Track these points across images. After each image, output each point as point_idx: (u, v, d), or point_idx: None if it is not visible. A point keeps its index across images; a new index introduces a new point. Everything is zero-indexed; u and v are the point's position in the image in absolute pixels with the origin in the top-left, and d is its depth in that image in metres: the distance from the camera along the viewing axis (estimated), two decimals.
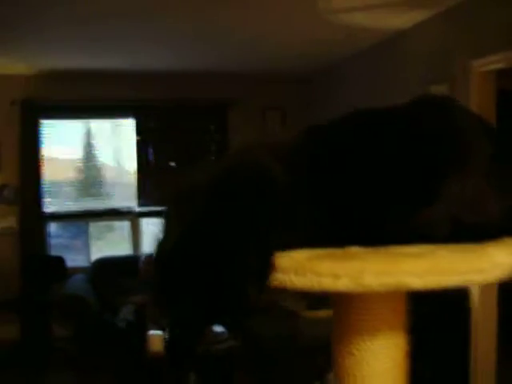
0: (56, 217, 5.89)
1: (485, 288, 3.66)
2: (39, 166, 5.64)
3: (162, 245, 0.80)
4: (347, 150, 0.84)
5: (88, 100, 5.69)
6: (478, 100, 3.64)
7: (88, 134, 6.01)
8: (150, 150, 5.98)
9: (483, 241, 0.78)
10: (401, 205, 0.77)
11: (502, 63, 3.45)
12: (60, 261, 5.60)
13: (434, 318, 3.59)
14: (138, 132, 5.95)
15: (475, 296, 3.68)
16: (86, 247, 6.10)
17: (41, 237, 5.71)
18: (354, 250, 0.78)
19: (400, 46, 4.55)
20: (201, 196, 0.80)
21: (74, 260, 5.94)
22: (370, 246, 0.78)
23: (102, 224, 6.30)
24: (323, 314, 4.15)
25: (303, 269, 0.74)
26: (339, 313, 0.93)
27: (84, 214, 5.95)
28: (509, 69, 3.51)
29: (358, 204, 0.79)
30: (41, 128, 5.66)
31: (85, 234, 6.09)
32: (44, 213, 5.74)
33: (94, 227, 6.23)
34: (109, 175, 6.10)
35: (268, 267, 0.73)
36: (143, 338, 4.23)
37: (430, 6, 3.83)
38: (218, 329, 4.59)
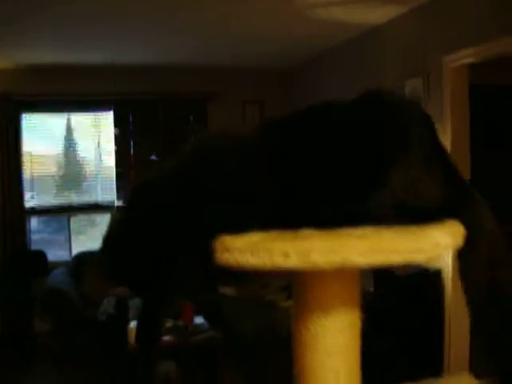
0: (37, 211, 5.91)
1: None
2: (19, 160, 5.64)
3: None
4: (302, 139, 0.90)
5: (67, 94, 5.70)
6: (451, 94, 3.73)
7: (69, 129, 6.02)
8: (131, 144, 6.01)
9: (426, 223, 0.85)
10: (350, 191, 0.84)
11: (473, 58, 3.54)
12: (41, 255, 5.62)
13: (402, 299, 3.69)
14: (118, 125, 5.97)
15: (448, 278, 3.77)
16: (68, 242, 6.11)
17: (22, 231, 5.72)
18: (306, 231, 0.84)
19: (376, 41, 4.62)
20: (162, 182, 0.87)
21: (55, 255, 5.96)
22: (322, 229, 0.84)
23: (84, 218, 6.32)
24: None
25: (257, 249, 0.80)
26: (298, 291, 0.99)
27: (65, 209, 5.96)
28: (481, 63, 3.60)
29: (311, 190, 0.86)
30: (21, 123, 5.66)
31: (66, 229, 6.11)
32: (25, 208, 5.75)
33: (76, 222, 6.25)
34: (90, 169, 6.11)
35: (210, 239, 0.81)
36: (124, 331, 4.28)
37: (404, 1, 3.90)
38: (198, 320, 4.65)
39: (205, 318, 4.71)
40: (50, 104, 5.75)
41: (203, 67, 5.95)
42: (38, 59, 5.27)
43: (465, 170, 3.77)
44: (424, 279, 3.90)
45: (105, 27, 4.32)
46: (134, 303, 4.64)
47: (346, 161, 0.84)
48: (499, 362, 0.88)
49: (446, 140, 3.75)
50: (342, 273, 0.93)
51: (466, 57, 3.57)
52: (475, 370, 3.62)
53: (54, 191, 6.00)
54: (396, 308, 3.98)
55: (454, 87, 3.73)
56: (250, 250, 0.81)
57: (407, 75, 4.16)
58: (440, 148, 0.90)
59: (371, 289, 4.16)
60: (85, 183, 6.08)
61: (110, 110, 5.94)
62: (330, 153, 0.86)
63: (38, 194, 5.94)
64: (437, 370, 3.90)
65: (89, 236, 6.41)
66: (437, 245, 0.82)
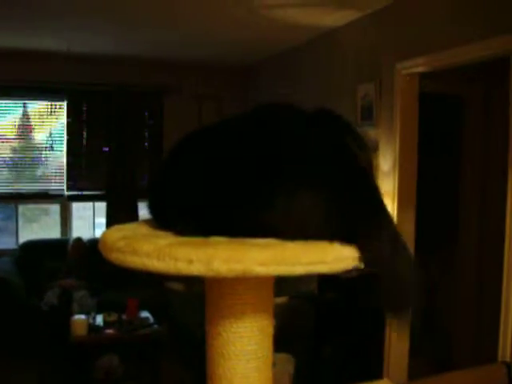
0: None
1: None
2: None
3: None
4: (215, 151, 0.92)
5: (21, 80, 5.57)
6: (402, 101, 3.80)
7: (24, 115, 5.88)
8: (83, 134, 5.92)
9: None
10: (246, 204, 0.85)
11: (424, 67, 3.60)
12: None
13: (347, 302, 3.74)
14: (71, 115, 5.87)
15: None
16: (15, 230, 5.99)
17: None
18: (216, 239, 0.85)
19: (332, 44, 4.66)
20: None
21: (2, 242, 5.85)
22: (234, 237, 0.85)
23: (35, 207, 6.20)
24: None
25: (163, 254, 0.81)
26: (210, 296, 1.00)
27: (13, 196, 5.84)
28: (431, 72, 3.67)
29: (225, 198, 0.87)
30: None
31: (14, 217, 5.98)
32: None
33: (30, 210, 6.14)
34: (41, 158, 5.99)
35: None
36: (67, 323, 4.23)
37: (360, 6, 3.95)
38: (144, 314, 4.63)
39: (150, 312, 4.69)
40: (3, 89, 5.61)
41: (160, 60, 5.90)
42: None
43: (412, 176, 3.85)
44: (368, 282, 3.96)
45: (60, 15, 4.24)
46: (78, 296, 4.59)
47: (248, 174, 0.85)
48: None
49: (395, 145, 3.82)
50: (254, 280, 0.94)
51: (417, 65, 3.64)
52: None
53: (4, 178, 5.86)
54: (341, 311, 4.04)
55: (404, 95, 3.79)
56: (156, 254, 0.81)
57: (361, 79, 4.21)
58: (357, 173, 0.90)
59: (315, 292, 4.22)
60: (36, 171, 5.96)
61: (63, 98, 5.83)
62: (235, 166, 0.87)
63: None
64: (379, 370, 3.99)
65: (42, 224, 6.31)
66: (341, 258, 0.83)
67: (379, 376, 3.91)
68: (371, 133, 4.10)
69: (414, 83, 3.80)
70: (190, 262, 0.79)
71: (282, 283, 3.88)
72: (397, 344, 3.90)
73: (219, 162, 0.89)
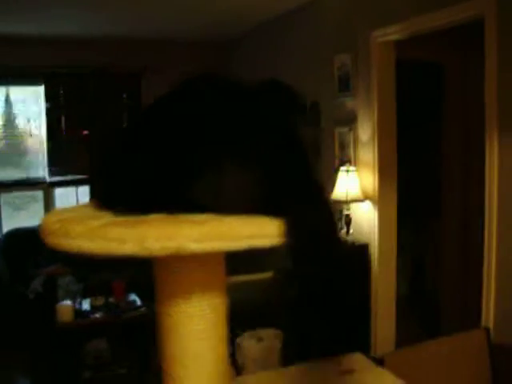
0: None
1: (384, 246, 3.84)
2: None
3: None
4: (146, 128, 0.88)
5: None
6: (378, 70, 3.75)
7: (7, 102, 5.78)
8: (62, 118, 5.84)
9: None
10: (177, 179, 0.81)
11: (398, 34, 3.56)
12: None
13: (323, 279, 3.74)
14: (49, 99, 5.78)
15: (374, 251, 3.85)
16: None
17: None
18: (152, 217, 0.82)
19: (312, 14, 4.60)
20: None
21: None
22: (170, 214, 0.81)
23: (23, 194, 6.12)
24: (243, 278, 4.20)
25: (94, 234, 0.77)
26: (158, 275, 0.97)
27: None
28: (410, 40, 3.62)
29: (151, 177, 0.84)
30: None
31: None
32: None
33: (16, 198, 6.06)
34: (23, 144, 5.90)
35: None
36: (52, 309, 4.20)
37: None
38: (131, 297, 4.61)
39: (139, 294, 4.66)
40: None
41: (138, 40, 5.80)
42: None
43: (391, 146, 3.82)
44: (353, 252, 3.96)
45: None
46: (64, 282, 4.56)
47: (182, 146, 0.82)
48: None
49: (373, 115, 3.79)
50: (201, 257, 0.91)
51: (392, 33, 3.59)
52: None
53: None
54: (326, 281, 4.04)
55: (380, 63, 3.75)
56: (88, 235, 0.78)
57: (338, 50, 4.16)
58: (292, 148, 0.87)
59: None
60: (18, 158, 5.88)
61: (40, 83, 5.73)
62: (172, 137, 0.83)
63: None
64: (366, 341, 4.00)
65: (30, 211, 6.24)
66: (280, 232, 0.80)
67: (367, 346, 3.93)
68: (349, 104, 4.06)
69: (389, 51, 3.76)
70: (123, 241, 0.75)
71: (266, 258, 3.87)
72: (383, 312, 3.91)
73: (150, 138, 0.86)
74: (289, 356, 4.04)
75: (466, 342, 2.54)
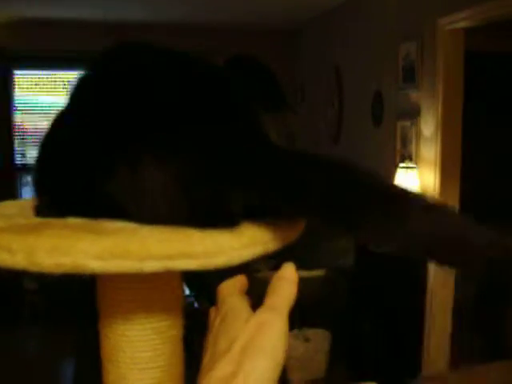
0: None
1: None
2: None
3: None
4: (69, 120, 0.70)
5: (59, 50, 5.51)
6: (445, 59, 3.46)
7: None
8: None
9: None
10: (89, 174, 0.63)
11: (468, 21, 3.25)
12: None
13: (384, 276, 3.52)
14: None
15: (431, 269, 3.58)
16: None
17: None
18: (70, 221, 0.66)
19: (375, 2, 4.35)
20: None
21: None
22: (90, 219, 0.66)
23: None
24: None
25: None
26: (99, 291, 0.82)
27: None
28: (477, 28, 3.31)
29: (65, 173, 0.67)
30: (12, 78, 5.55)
31: None
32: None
33: None
34: None
35: None
36: None
37: None
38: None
39: (187, 284, 4.58)
40: (38, 60, 5.58)
41: (202, 25, 5.70)
42: (26, 13, 5.09)
43: (456, 142, 3.53)
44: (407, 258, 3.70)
45: None
46: None
47: (97, 137, 0.64)
48: None
49: (437, 109, 3.50)
50: (161, 274, 0.74)
51: (460, 20, 3.29)
52: None
53: None
54: (377, 286, 3.82)
55: (448, 52, 3.45)
56: None
57: (402, 39, 3.89)
58: (240, 140, 0.60)
59: (351, 265, 3.99)
60: None
61: None
62: (88, 125, 0.66)
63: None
64: (417, 351, 3.74)
65: None
66: (223, 249, 0.62)
67: (417, 357, 3.67)
68: (413, 96, 3.79)
69: (458, 40, 3.44)
70: (12, 252, 0.60)
71: (318, 255, 3.68)
72: (438, 324, 3.64)
73: (67, 129, 0.69)
74: (337, 359, 3.86)
75: None
